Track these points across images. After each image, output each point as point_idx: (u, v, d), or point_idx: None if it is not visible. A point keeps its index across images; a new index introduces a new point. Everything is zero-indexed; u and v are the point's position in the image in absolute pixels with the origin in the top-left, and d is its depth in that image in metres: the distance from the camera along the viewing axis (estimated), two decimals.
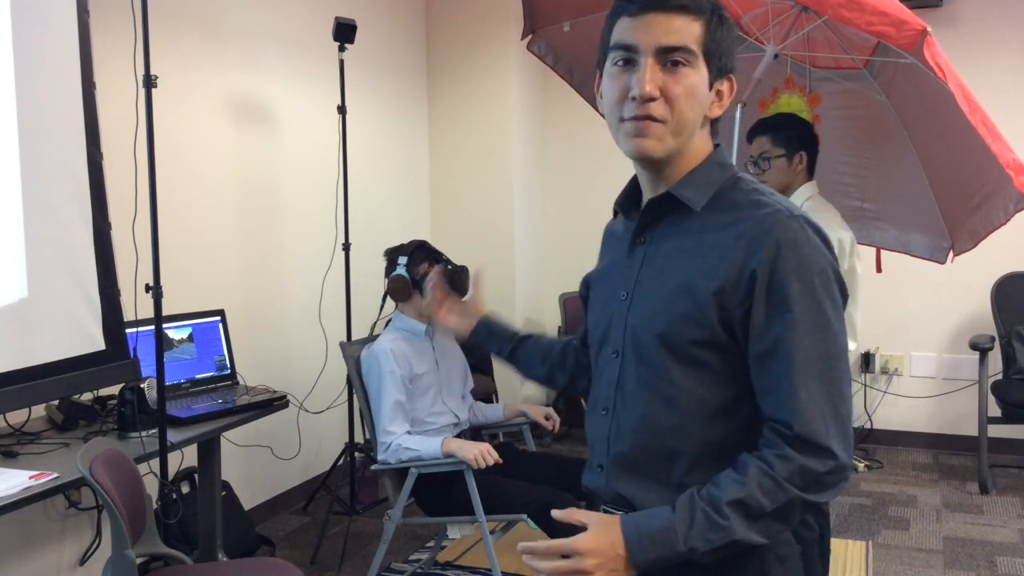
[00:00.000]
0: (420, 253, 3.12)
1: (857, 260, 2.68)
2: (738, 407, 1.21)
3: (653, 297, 1.24)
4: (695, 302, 1.19)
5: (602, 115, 1.28)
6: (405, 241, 3.27)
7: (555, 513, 1.19)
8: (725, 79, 1.25)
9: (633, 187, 1.34)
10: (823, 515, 2.87)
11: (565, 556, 1.14)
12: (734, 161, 2.81)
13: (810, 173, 2.74)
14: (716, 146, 1.28)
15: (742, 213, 1.20)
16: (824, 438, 1.13)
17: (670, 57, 1.18)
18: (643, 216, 1.28)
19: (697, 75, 1.19)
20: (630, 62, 1.20)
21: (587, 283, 1.44)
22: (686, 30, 1.18)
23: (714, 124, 1.28)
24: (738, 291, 1.17)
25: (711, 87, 1.22)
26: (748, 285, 1.16)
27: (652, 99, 1.17)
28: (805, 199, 2.69)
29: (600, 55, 1.27)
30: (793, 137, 2.70)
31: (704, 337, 1.19)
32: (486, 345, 1.66)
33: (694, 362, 1.20)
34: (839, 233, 2.61)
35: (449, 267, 3.11)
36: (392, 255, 3.16)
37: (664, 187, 1.26)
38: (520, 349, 1.62)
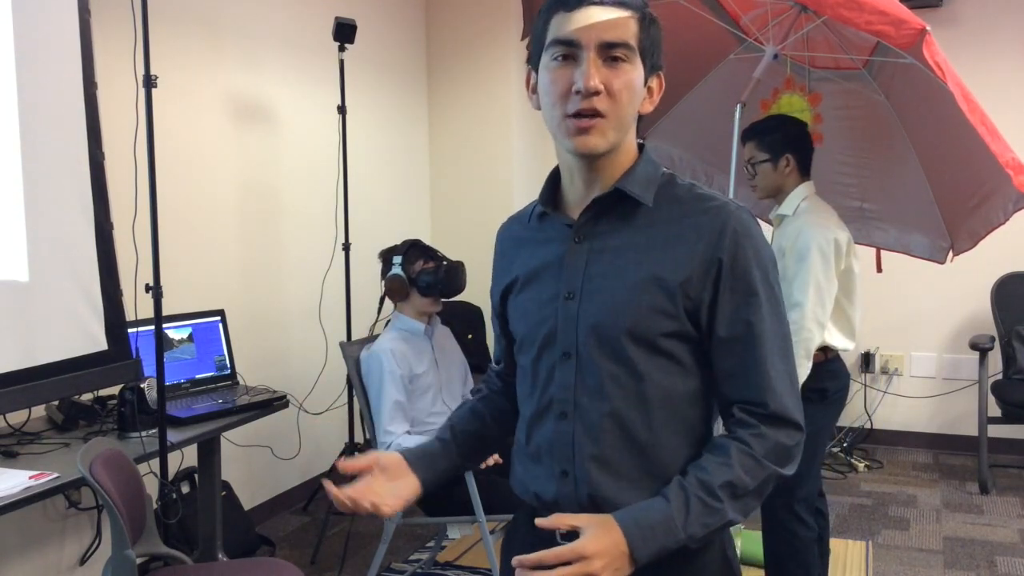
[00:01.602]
0: (414, 251, 3.13)
1: (854, 259, 2.68)
2: (702, 395, 1.26)
3: (612, 293, 1.22)
4: (665, 294, 1.20)
5: (537, 109, 1.27)
6: (402, 241, 3.28)
7: (540, 521, 1.15)
8: (655, 76, 1.27)
9: (552, 188, 1.32)
10: (822, 515, 2.87)
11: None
12: (733, 162, 2.83)
13: (804, 173, 2.73)
14: (641, 145, 1.30)
15: (689, 207, 1.24)
16: (793, 412, 1.22)
17: (611, 52, 1.18)
18: (584, 213, 1.27)
19: (635, 70, 1.21)
20: (570, 57, 1.19)
21: (503, 292, 1.37)
22: (624, 26, 1.19)
23: (639, 120, 1.28)
24: (705, 281, 1.20)
25: (645, 83, 1.24)
26: (715, 274, 1.20)
27: (597, 93, 1.17)
28: (801, 199, 2.68)
29: (534, 51, 1.26)
30: (777, 141, 2.69)
31: (673, 329, 1.21)
32: (441, 474, 1.41)
33: (662, 354, 1.22)
34: (835, 233, 2.61)
35: (445, 263, 3.11)
36: (387, 256, 3.16)
37: (600, 184, 1.26)
38: (463, 443, 1.45)
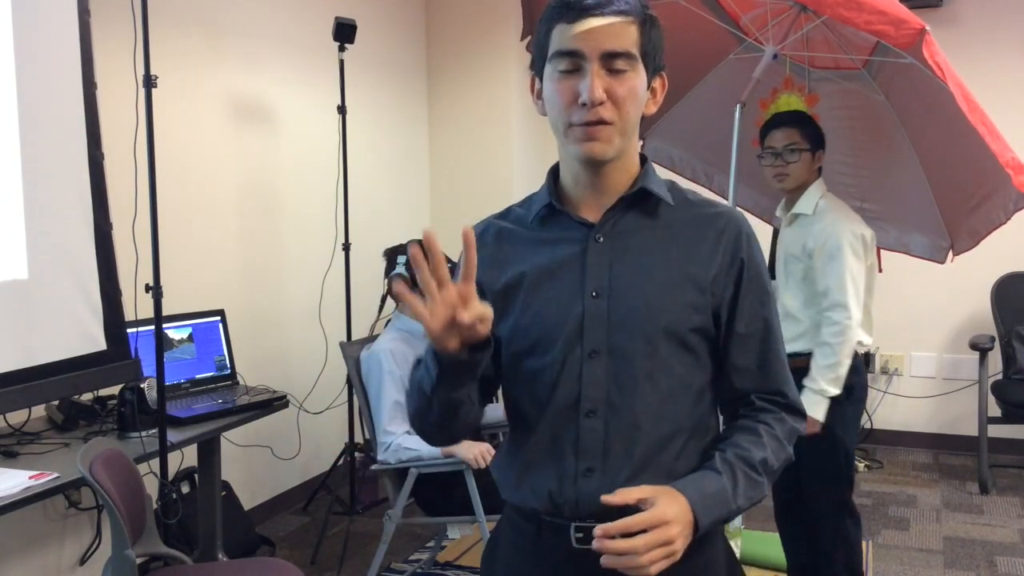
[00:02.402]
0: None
1: (873, 256, 2.69)
2: (710, 388, 1.31)
3: (645, 291, 1.25)
4: (698, 290, 1.25)
5: (542, 115, 1.29)
6: (405, 241, 3.27)
7: (606, 499, 1.15)
8: (658, 77, 1.29)
9: (553, 189, 1.34)
10: None
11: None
12: (733, 162, 2.82)
13: (820, 172, 2.74)
14: (643, 156, 1.33)
15: (701, 209, 1.31)
16: (801, 403, 1.33)
17: (613, 63, 1.21)
18: (608, 213, 1.29)
19: (637, 77, 1.23)
20: (573, 68, 1.21)
21: (503, 288, 1.32)
22: (625, 34, 1.21)
23: (640, 121, 1.30)
24: (728, 279, 1.27)
25: (648, 86, 1.27)
26: (737, 273, 1.27)
27: (601, 103, 1.20)
28: (819, 197, 2.67)
29: (537, 59, 1.28)
30: (815, 134, 2.69)
31: (700, 324, 1.26)
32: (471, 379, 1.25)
33: (688, 349, 1.26)
34: (863, 229, 2.62)
35: (450, 265, 3.11)
36: (391, 255, 3.16)
37: (607, 188, 1.29)
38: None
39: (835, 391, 2.56)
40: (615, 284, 1.26)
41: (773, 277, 3.08)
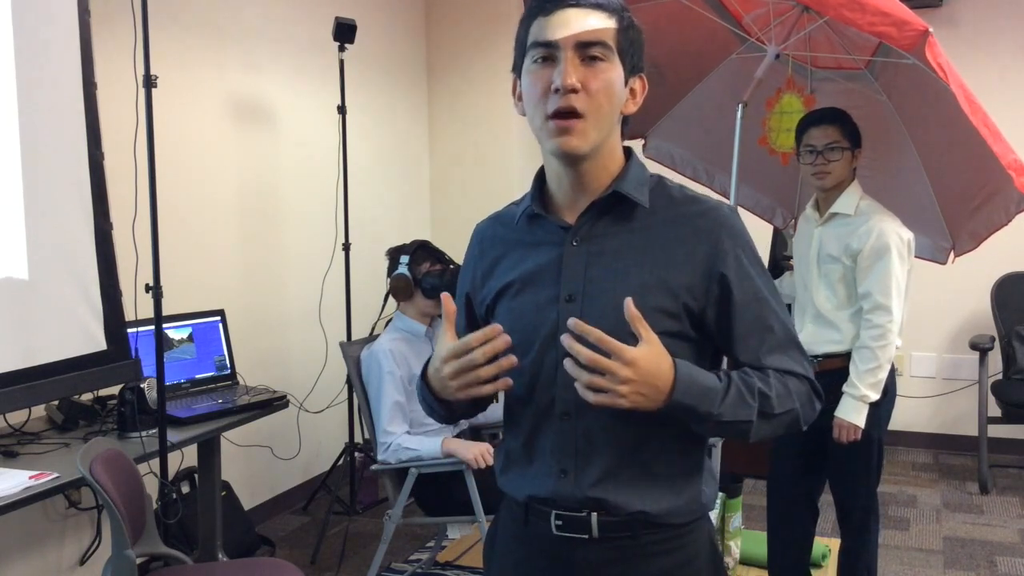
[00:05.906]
0: (422, 252, 3.13)
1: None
2: None
3: (615, 295, 1.23)
4: (669, 296, 1.24)
5: (523, 115, 1.29)
6: (405, 241, 3.27)
7: (629, 304, 1.16)
8: (637, 78, 1.29)
9: (539, 189, 1.35)
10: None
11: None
12: (735, 161, 2.82)
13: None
14: (628, 149, 1.32)
15: (684, 209, 1.29)
16: (816, 382, 1.30)
17: (588, 52, 1.21)
18: (582, 216, 1.29)
19: (613, 70, 1.23)
20: (549, 59, 1.22)
21: (497, 294, 1.35)
22: (601, 26, 1.22)
23: (625, 122, 1.31)
24: (709, 280, 1.25)
25: (626, 84, 1.26)
26: (719, 275, 1.25)
27: (574, 90, 1.20)
28: (859, 198, 2.64)
29: (516, 56, 1.29)
30: (854, 131, 2.64)
31: (675, 329, 1.24)
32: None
33: None
34: (907, 232, 2.60)
35: (451, 267, 3.11)
36: (394, 254, 3.16)
37: (588, 186, 1.28)
38: None
39: (876, 396, 2.55)
40: (588, 289, 1.26)
41: (776, 276, 3.08)
